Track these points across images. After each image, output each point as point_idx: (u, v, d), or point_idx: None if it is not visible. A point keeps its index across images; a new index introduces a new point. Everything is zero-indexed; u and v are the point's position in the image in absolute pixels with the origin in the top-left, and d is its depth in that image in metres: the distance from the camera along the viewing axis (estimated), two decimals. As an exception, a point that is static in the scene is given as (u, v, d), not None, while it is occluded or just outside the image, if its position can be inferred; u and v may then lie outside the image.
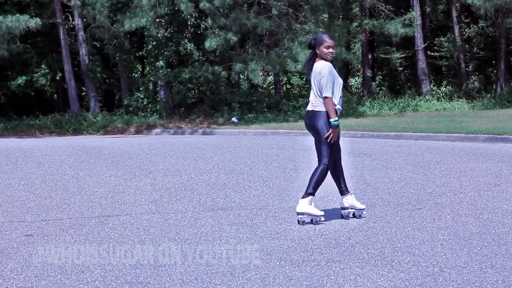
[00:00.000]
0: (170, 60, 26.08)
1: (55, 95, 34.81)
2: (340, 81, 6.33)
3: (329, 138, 6.20)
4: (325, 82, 6.18)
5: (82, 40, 26.72)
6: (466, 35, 31.43)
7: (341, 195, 6.56)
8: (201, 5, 22.97)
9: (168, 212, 6.98)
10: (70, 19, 27.88)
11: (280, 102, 27.58)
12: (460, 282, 4.29)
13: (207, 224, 6.28)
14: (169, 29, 25.89)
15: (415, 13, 27.61)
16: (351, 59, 28.25)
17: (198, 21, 25.85)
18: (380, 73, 36.59)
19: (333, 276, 4.48)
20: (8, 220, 6.72)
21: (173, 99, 26.47)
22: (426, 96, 28.11)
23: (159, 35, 25.41)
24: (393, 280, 4.36)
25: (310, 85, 6.38)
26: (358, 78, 36.43)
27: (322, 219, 6.23)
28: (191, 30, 27.16)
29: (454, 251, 5.07)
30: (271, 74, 33.18)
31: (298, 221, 6.21)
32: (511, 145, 13.69)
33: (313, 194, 6.24)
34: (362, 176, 9.40)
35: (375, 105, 26.97)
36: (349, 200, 6.48)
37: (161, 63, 25.40)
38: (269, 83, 35.78)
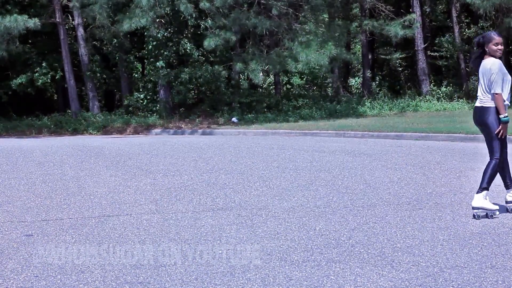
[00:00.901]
0: (170, 60, 26.08)
1: (55, 95, 34.82)
2: (509, 77, 6.44)
3: (500, 134, 6.31)
4: (495, 79, 6.28)
5: (82, 40, 26.72)
6: (466, 35, 31.41)
7: (506, 189, 6.65)
8: (201, 5, 22.96)
9: (168, 212, 6.97)
10: (70, 19, 27.89)
11: (280, 102, 27.57)
12: (460, 282, 4.29)
13: (207, 224, 6.27)
14: (169, 29, 25.89)
15: (415, 15, 27.59)
16: (351, 60, 28.23)
17: (198, 21, 25.85)
18: (380, 73, 36.58)
19: (333, 276, 4.48)
20: (8, 220, 6.72)
21: (173, 99, 26.46)
22: (426, 96, 28.10)
23: (159, 35, 25.40)
24: (393, 280, 4.36)
25: (479, 81, 6.47)
26: (358, 78, 36.43)
27: (497, 213, 6.34)
28: (191, 30, 27.16)
29: (454, 251, 5.07)
30: (271, 74, 33.18)
31: (474, 215, 6.32)
32: (511, 146, 13.67)
33: (487, 188, 6.35)
34: (362, 176, 9.39)
35: (375, 105, 26.96)
36: None
37: (161, 63, 25.40)
38: (269, 83, 35.78)
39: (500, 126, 6.30)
